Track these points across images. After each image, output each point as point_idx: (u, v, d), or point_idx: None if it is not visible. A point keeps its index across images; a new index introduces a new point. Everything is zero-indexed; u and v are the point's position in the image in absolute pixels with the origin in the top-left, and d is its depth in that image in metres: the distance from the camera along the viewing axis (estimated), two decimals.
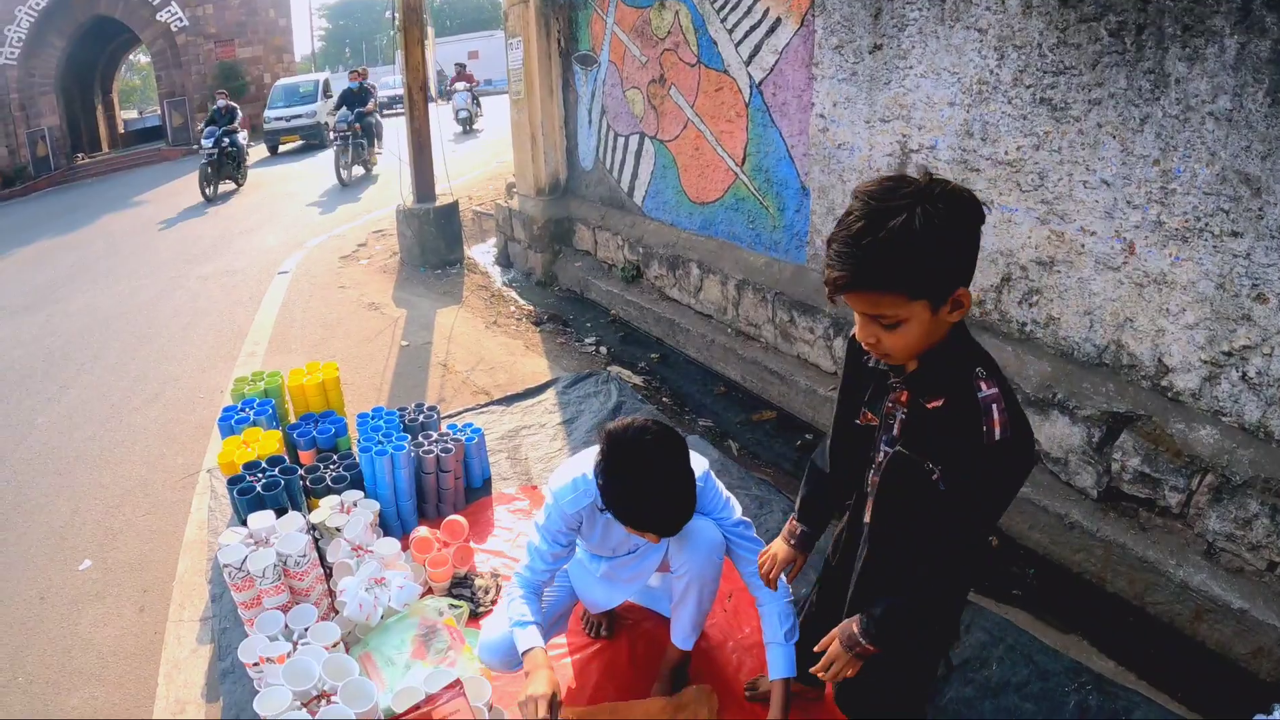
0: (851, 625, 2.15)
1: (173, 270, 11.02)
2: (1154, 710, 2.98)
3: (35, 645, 3.94)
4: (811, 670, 2.28)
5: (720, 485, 2.88)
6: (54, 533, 4.82)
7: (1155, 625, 3.48)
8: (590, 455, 2.64)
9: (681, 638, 2.96)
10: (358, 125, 16.73)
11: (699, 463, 2.69)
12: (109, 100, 35.42)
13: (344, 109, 16.85)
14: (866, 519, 2.22)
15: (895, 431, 2.04)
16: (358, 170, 17.16)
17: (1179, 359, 3.61)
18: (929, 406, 1.92)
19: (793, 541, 2.58)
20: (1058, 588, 3.77)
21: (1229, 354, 3.42)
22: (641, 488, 2.33)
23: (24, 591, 4.33)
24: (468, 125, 24.19)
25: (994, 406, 1.83)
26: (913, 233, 1.65)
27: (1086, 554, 3.77)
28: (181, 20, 28.67)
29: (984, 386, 1.85)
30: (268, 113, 25.75)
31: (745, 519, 2.87)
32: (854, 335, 1.99)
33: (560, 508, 2.67)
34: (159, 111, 32.12)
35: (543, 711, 2.38)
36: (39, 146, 27.53)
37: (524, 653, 2.60)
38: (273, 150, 25.31)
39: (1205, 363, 3.51)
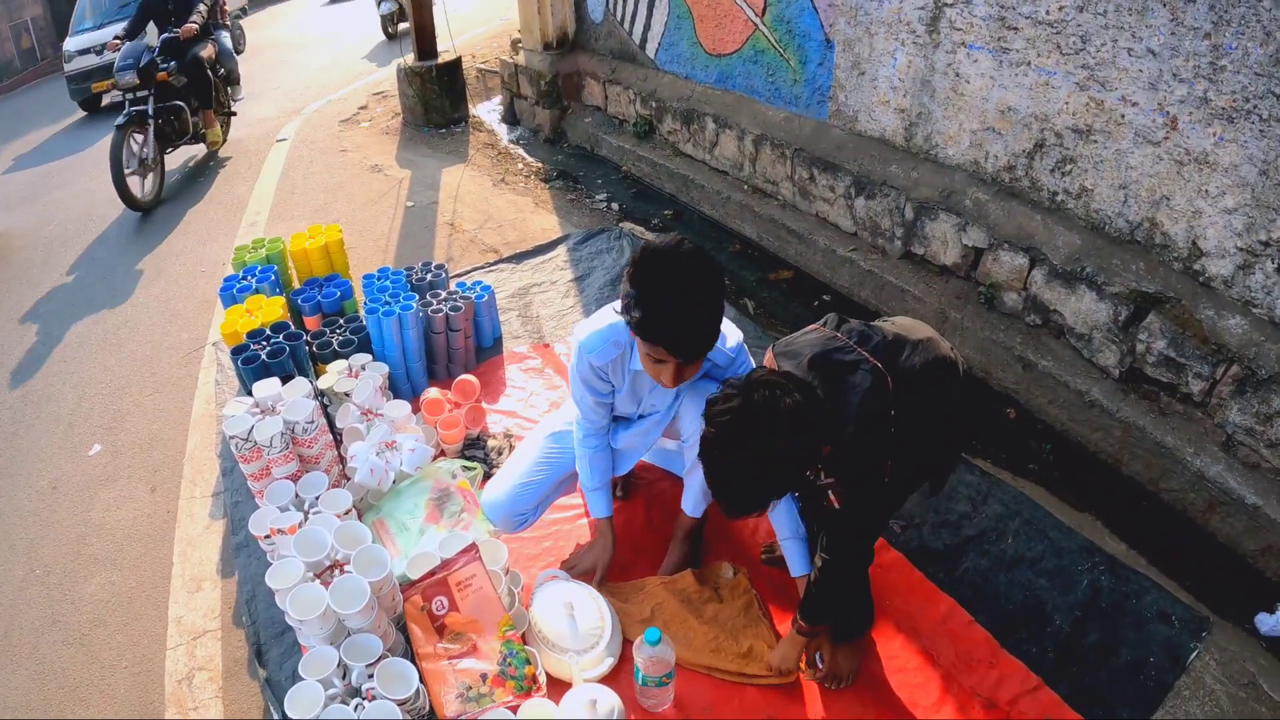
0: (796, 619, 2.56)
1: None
2: (1163, 597, 2.99)
3: (50, 535, 3.92)
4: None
5: (751, 361, 2.79)
6: (61, 420, 4.77)
7: (1168, 512, 3.45)
8: (611, 311, 2.62)
9: (692, 505, 2.95)
10: (165, 75, 8.08)
11: (733, 333, 2.67)
12: None
13: (125, 43, 8.14)
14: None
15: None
16: (150, 184, 8.07)
17: (1214, 243, 3.45)
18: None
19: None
20: (1074, 465, 3.73)
21: (1266, 243, 3.26)
22: (672, 294, 2.19)
23: (36, 482, 4.30)
24: (392, 24, 14.62)
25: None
26: (745, 463, 1.93)
27: (1105, 434, 3.71)
28: None
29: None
30: (69, 43, 14.11)
31: None
32: None
33: (587, 360, 2.62)
34: None
35: (599, 575, 2.77)
36: (23, 39, 26.86)
37: (596, 519, 2.93)
38: (88, 106, 14.28)
39: (1241, 250, 3.36)
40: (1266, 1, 3.09)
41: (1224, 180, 3.35)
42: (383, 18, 14.57)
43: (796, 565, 2.76)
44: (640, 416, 2.92)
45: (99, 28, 13.96)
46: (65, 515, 4.01)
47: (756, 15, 5.90)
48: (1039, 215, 4.11)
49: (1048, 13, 3.89)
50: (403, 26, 12.83)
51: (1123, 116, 3.69)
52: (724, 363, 2.65)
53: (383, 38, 15.01)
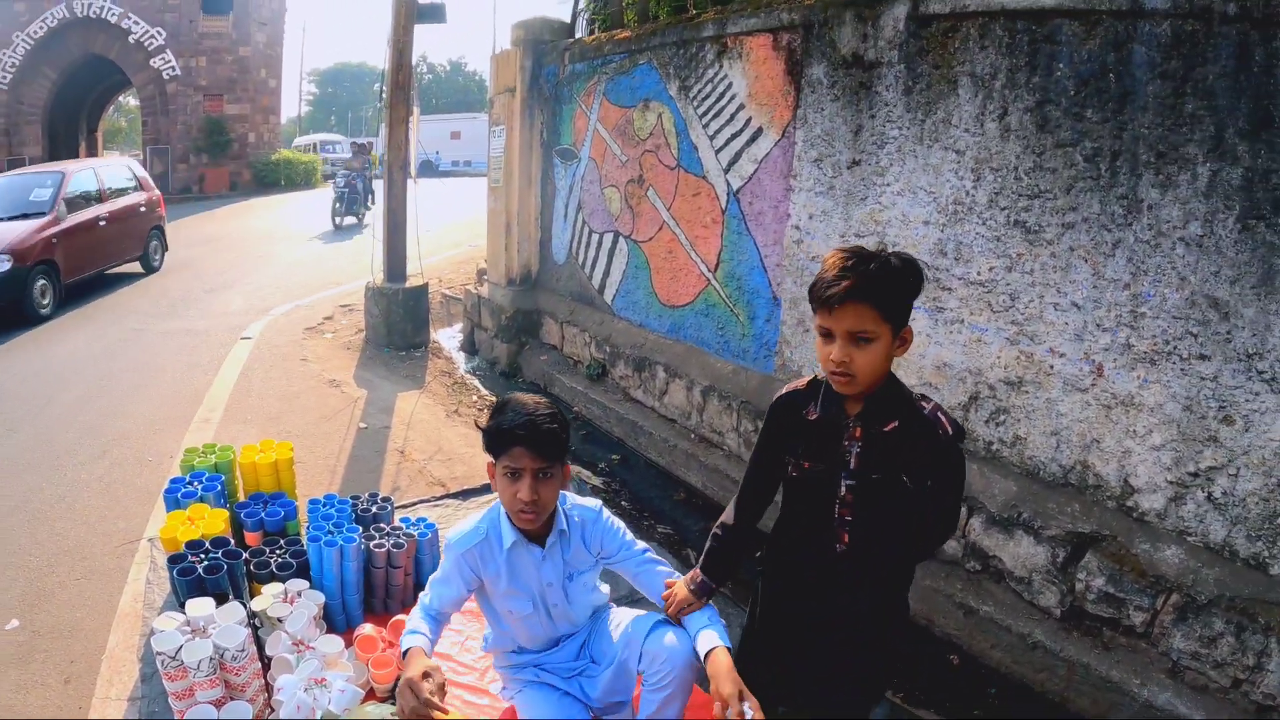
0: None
1: (135, 322, 10.90)
2: None
3: None
4: None
5: (619, 523, 2.96)
6: None
7: None
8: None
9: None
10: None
11: (592, 503, 2.88)
12: (93, 139, 35.21)
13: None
14: (841, 548, 2.47)
15: (854, 466, 2.39)
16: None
17: (1145, 479, 3.65)
18: (885, 430, 2.33)
19: (693, 588, 2.81)
20: (1020, 708, 3.77)
21: (1195, 474, 3.48)
22: (515, 401, 2.59)
23: None
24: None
25: (939, 414, 2.34)
26: (892, 268, 2.19)
27: (1049, 673, 3.77)
28: (174, 69, 28.71)
29: (925, 404, 2.36)
30: None
31: (648, 547, 2.97)
32: (782, 397, 2.60)
33: (452, 549, 2.81)
34: (141, 157, 32.02)
35: (423, 692, 2.42)
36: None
37: (404, 652, 2.69)
38: None
39: (1171, 483, 3.56)
40: (1179, 249, 3.39)
41: (1150, 419, 3.57)
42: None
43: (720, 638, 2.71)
44: (558, 644, 3.00)
45: None
46: None
47: (710, 271, 6.26)
48: (975, 464, 4.24)
49: (979, 273, 4.20)
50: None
51: (1051, 367, 3.94)
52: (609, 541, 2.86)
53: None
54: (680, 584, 2.83)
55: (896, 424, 2.33)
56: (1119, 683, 3.53)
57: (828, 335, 2.27)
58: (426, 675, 2.45)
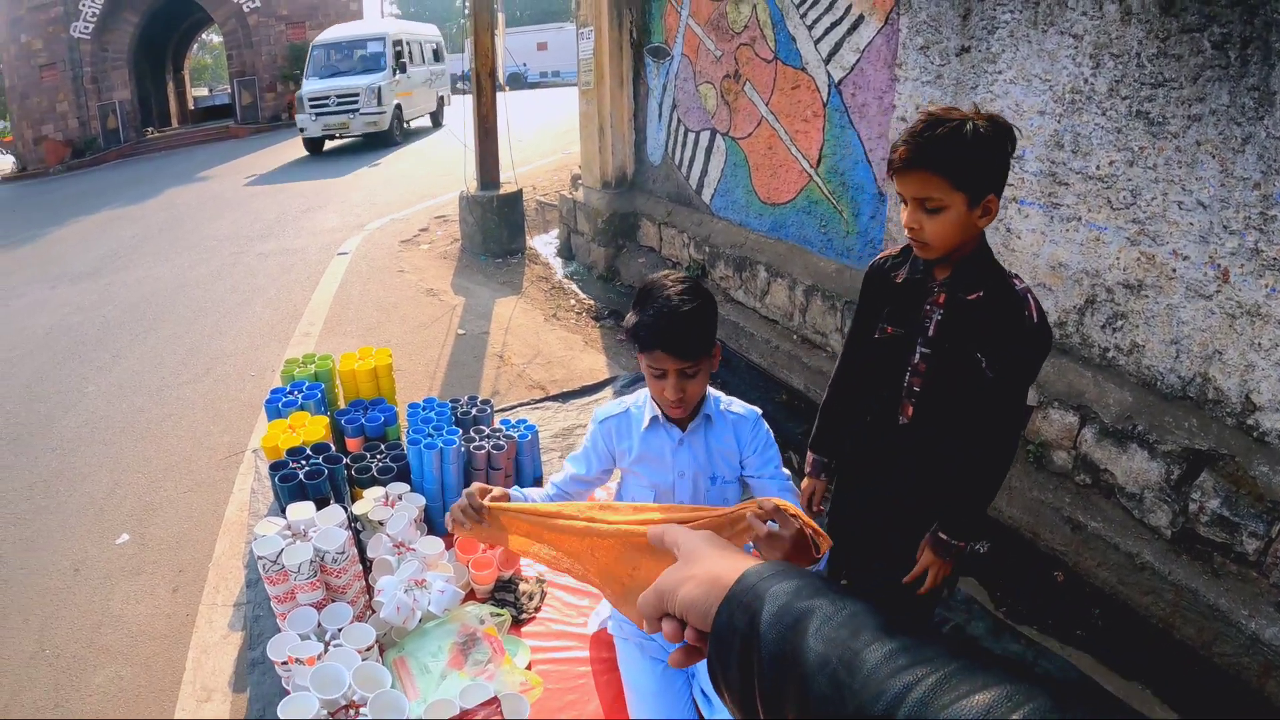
0: (938, 534, 2.53)
1: (233, 246, 11.07)
2: None
3: (65, 618, 3.91)
4: (907, 581, 2.62)
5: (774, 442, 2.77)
6: (94, 504, 4.80)
7: (1221, 677, 3.33)
8: None
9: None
10: None
11: (753, 408, 2.70)
12: (180, 77, 35.80)
13: None
14: (904, 420, 2.51)
15: (931, 333, 2.39)
16: None
17: (1268, 397, 3.42)
18: (969, 299, 2.31)
19: (810, 471, 2.93)
20: (1123, 630, 3.63)
21: None
22: (661, 297, 2.38)
23: (59, 562, 4.31)
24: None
25: (1029, 296, 2.29)
26: (963, 133, 2.12)
27: (1155, 596, 3.62)
28: (254, 2, 28.81)
29: (1017, 282, 2.32)
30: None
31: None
32: (874, 264, 2.57)
33: (594, 419, 2.72)
34: (229, 90, 32.35)
35: (474, 499, 2.25)
36: (109, 119, 27.87)
37: None
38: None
39: None
40: None
41: (1277, 332, 3.34)
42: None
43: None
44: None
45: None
46: (84, 600, 4.01)
47: (811, 166, 6.05)
48: (1089, 372, 4.10)
49: (1098, 168, 3.95)
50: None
51: (1174, 271, 3.70)
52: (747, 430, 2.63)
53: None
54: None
55: (981, 294, 2.31)
56: (1226, 612, 3.35)
57: (905, 200, 2.27)
58: (483, 491, 2.29)
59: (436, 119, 23.19)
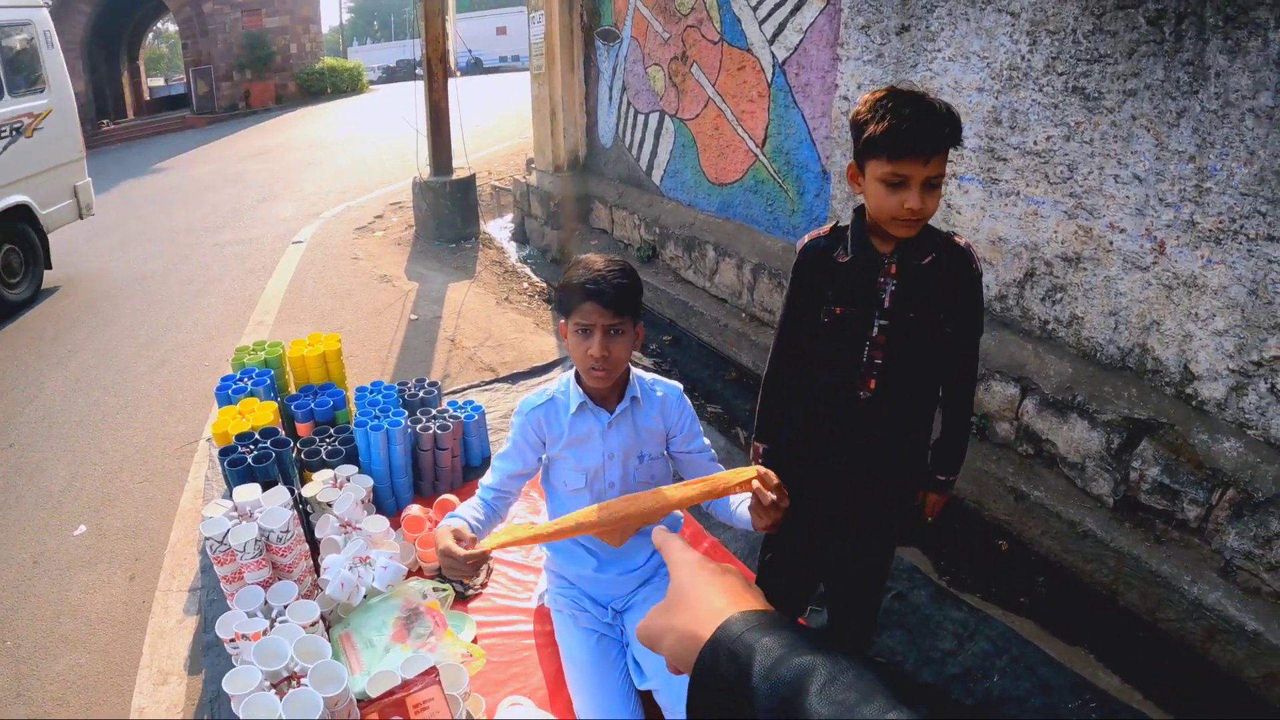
0: (935, 478, 2.69)
1: (189, 238, 11.00)
2: None
3: (25, 609, 3.94)
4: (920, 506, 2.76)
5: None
6: (51, 497, 4.82)
7: (1165, 642, 3.41)
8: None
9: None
10: None
11: (676, 384, 2.73)
12: (135, 67, 35.24)
13: None
14: (865, 394, 2.48)
15: (887, 304, 2.38)
16: None
17: (1206, 366, 3.50)
18: (923, 263, 2.34)
19: (761, 461, 2.81)
20: (1067, 598, 3.71)
21: (1259, 364, 3.32)
22: (584, 263, 2.45)
23: (18, 554, 4.32)
24: None
25: (971, 249, 2.40)
26: (941, 108, 2.18)
27: (1099, 564, 3.70)
28: None
29: (958, 239, 2.41)
30: None
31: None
32: (807, 246, 2.51)
33: (519, 413, 2.71)
34: (185, 80, 32.04)
35: (457, 549, 2.27)
36: None
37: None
38: None
39: (1233, 371, 3.41)
40: (1249, 121, 3.19)
41: (1214, 302, 3.41)
42: None
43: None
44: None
45: None
46: (43, 591, 4.04)
47: (757, 146, 6.14)
48: (1030, 344, 4.18)
49: (1035, 143, 4.03)
50: None
51: (1111, 243, 3.78)
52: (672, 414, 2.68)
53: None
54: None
55: (933, 256, 2.35)
56: (1169, 578, 3.43)
57: (900, 184, 2.22)
58: (458, 538, 2.37)
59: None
